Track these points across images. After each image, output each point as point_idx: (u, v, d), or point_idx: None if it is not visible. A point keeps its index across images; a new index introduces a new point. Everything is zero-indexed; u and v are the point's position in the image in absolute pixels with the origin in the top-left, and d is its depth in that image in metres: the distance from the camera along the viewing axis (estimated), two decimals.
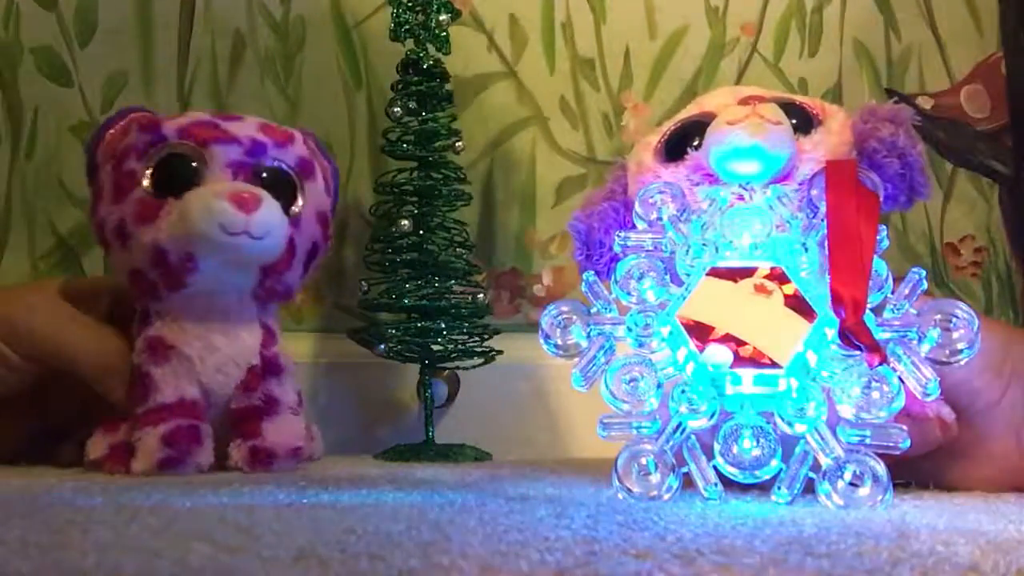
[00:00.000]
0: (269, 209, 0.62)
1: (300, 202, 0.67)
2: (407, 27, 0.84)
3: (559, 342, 0.55)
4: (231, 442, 0.65)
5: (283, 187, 0.66)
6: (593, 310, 0.55)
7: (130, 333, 0.66)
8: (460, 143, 0.85)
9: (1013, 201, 0.99)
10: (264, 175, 0.65)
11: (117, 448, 0.62)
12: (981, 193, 1.00)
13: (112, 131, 0.66)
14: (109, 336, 0.66)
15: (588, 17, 1.02)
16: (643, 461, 0.51)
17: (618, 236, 0.58)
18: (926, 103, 1.01)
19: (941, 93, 1.01)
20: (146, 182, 0.63)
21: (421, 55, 0.84)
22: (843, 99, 1.00)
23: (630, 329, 0.54)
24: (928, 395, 0.50)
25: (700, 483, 0.51)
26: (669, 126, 0.64)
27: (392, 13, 0.84)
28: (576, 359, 0.54)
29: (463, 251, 0.85)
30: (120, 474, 0.61)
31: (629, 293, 0.55)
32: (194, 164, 0.63)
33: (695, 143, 0.60)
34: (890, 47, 1.02)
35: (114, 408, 0.65)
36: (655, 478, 0.51)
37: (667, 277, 0.56)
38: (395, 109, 0.83)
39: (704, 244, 0.56)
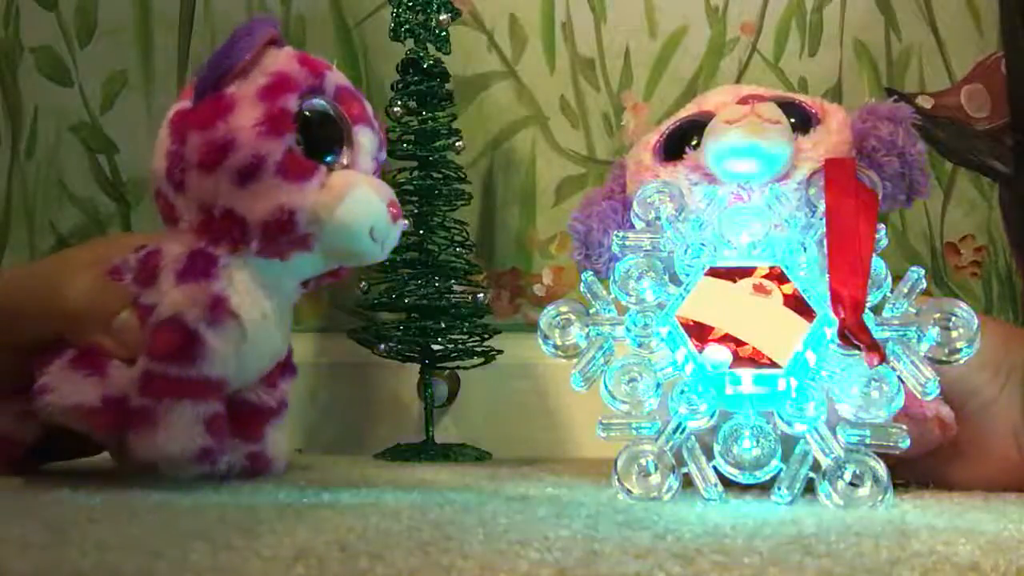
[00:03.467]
0: (403, 224, 0.56)
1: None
2: (407, 27, 0.84)
3: (558, 343, 0.55)
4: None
5: None
6: (592, 310, 0.55)
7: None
8: (460, 143, 0.85)
9: (1013, 201, 0.99)
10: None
11: (113, 402, 0.52)
12: (981, 193, 1.00)
13: (262, 38, 0.55)
14: (84, 280, 0.54)
15: (588, 17, 1.02)
16: (643, 462, 0.51)
17: (616, 236, 0.58)
18: (926, 103, 1.01)
19: (941, 93, 1.01)
20: (298, 134, 0.53)
21: (421, 55, 0.84)
22: (843, 99, 1.00)
23: (629, 329, 0.54)
24: (927, 394, 0.50)
25: (700, 483, 0.51)
26: (668, 125, 0.64)
27: (392, 13, 0.84)
28: (575, 360, 0.54)
29: (463, 251, 0.85)
30: (99, 437, 0.52)
31: (628, 293, 0.55)
32: (345, 139, 0.55)
33: (694, 142, 0.60)
34: (890, 47, 1.02)
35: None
36: (655, 479, 0.51)
37: (666, 277, 0.56)
38: (395, 109, 0.83)
39: (702, 244, 0.56)
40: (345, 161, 0.55)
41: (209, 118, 0.53)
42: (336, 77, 0.57)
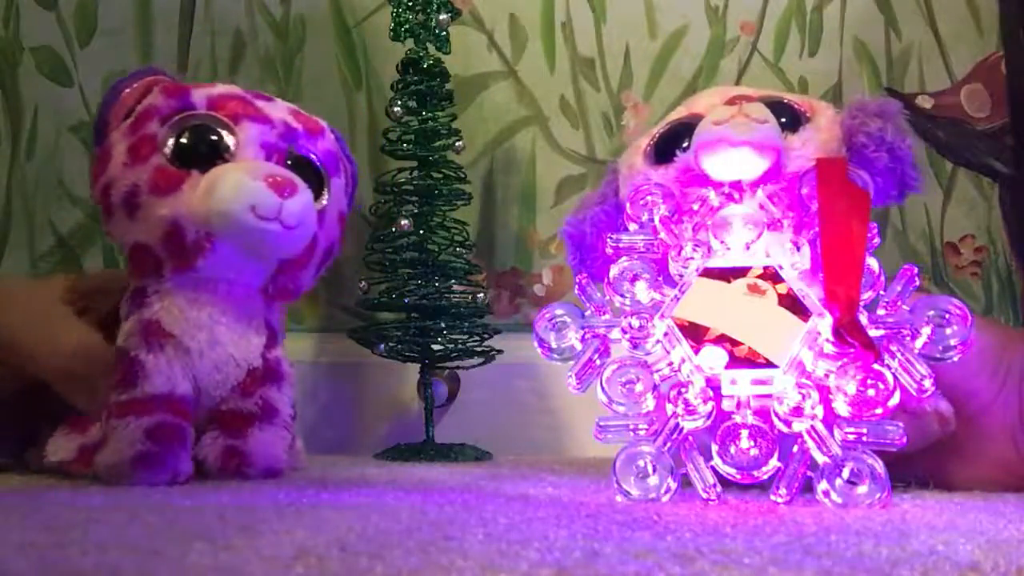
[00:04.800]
0: (304, 198, 0.57)
1: (325, 198, 0.61)
2: (407, 27, 0.84)
3: (553, 345, 0.55)
4: (207, 433, 0.59)
5: (312, 179, 0.60)
6: (587, 312, 0.55)
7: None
8: (460, 143, 0.85)
9: (1013, 200, 0.99)
10: (295, 163, 0.59)
11: (87, 451, 0.56)
12: (981, 193, 1.00)
13: (129, 90, 0.60)
14: (80, 338, 0.59)
15: (588, 17, 1.02)
16: (641, 463, 0.51)
17: (610, 238, 0.58)
18: (926, 102, 1.01)
19: (941, 92, 1.01)
20: (168, 150, 0.57)
21: (421, 55, 0.84)
22: (843, 98, 1.00)
23: (625, 331, 0.54)
24: (923, 391, 0.50)
25: (699, 484, 0.51)
26: (658, 129, 0.64)
27: (392, 13, 0.84)
28: (571, 362, 0.54)
29: (463, 251, 0.85)
30: (84, 477, 0.56)
31: (622, 295, 0.55)
32: (223, 138, 0.57)
33: (684, 145, 0.60)
34: (890, 46, 1.02)
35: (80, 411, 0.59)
36: (653, 480, 0.51)
37: (660, 278, 0.55)
38: (395, 109, 0.83)
39: (696, 245, 0.56)
40: (228, 158, 0.57)
41: (98, 170, 0.59)
42: (208, 90, 0.60)
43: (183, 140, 0.57)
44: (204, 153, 0.57)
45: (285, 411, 0.62)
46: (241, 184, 0.55)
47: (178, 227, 0.56)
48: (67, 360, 0.58)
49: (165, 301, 0.57)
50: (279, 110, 0.61)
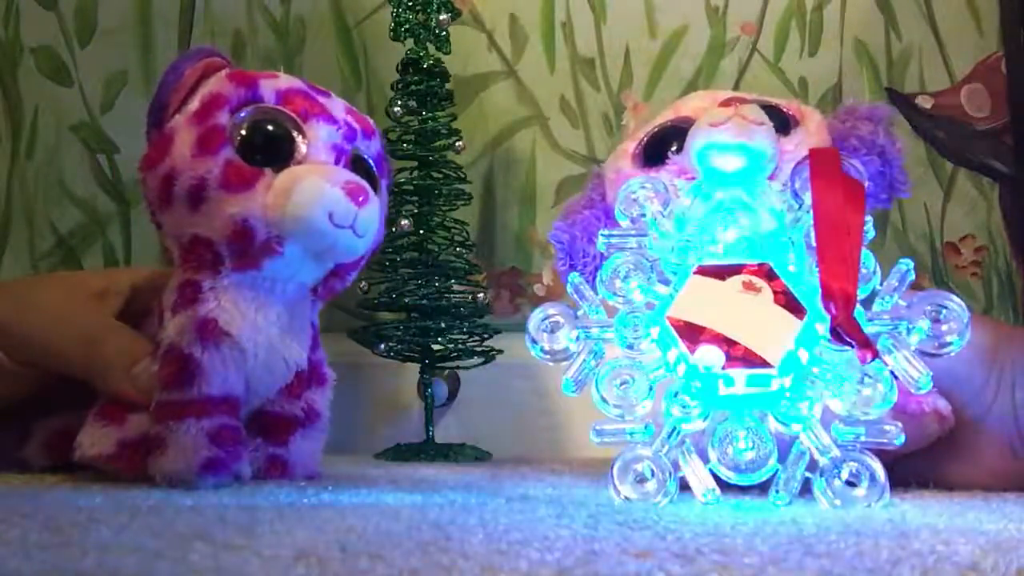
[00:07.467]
0: (375, 206, 0.56)
1: (376, 201, 0.59)
2: (407, 27, 0.84)
3: (546, 347, 0.55)
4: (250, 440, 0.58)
5: (368, 183, 0.58)
6: (580, 312, 0.55)
7: (140, 329, 0.58)
8: (460, 143, 0.85)
9: (1013, 200, 0.99)
10: (355, 165, 0.58)
11: (129, 445, 0.54)
12: (981, 193, 1.00)
13: (191, 70, 0.56)
14: (112, 334, 0.57)
15: (588, 17, 1.02)
16: (639, 467, 0.50)
17: (602, 235, 0.57)
18: (926, 102, 1.01)
19: (941, 92, 1.01)
20: (238, 144, 0.54)
21: (421, 55, 0.84)
22: (843, 99, 1.00)
23: (618, 331, 0.53)
24: (920, 388, 0.50)
25: (697, 488, 0.50)
26: (646, 132, 0.64)
27: (392, 13, 0.84)
28: (566, 364, 0.54)
29: (463, 250, 0.85)
30: (129, 478, 0.54)
31: (615, 293, 0.55)
32: (295, 138, 0.55)
33: (674, 148, 0.60)
34: (890, 47, 1.02)
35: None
36: (651, 484, 0.50)
37: (653, 276, 0.55)
38: (395, 109, 0.83)
39: (689, 241, 0.55)
40: (299, 158, 0.55)
41: (156, 156, 0.55)
42: (276, 83, 0.57)
43: (255, 136, 0.55)
44: (272, 151, 0.55)
45: (325, 414, 0.61)
46: (321, 190, 0.53)
47: (249, 227, 0.53)
48: (111, 358, 0.56)
49: (222, 299, 0.55)
50: (339, 108, 0.59)
